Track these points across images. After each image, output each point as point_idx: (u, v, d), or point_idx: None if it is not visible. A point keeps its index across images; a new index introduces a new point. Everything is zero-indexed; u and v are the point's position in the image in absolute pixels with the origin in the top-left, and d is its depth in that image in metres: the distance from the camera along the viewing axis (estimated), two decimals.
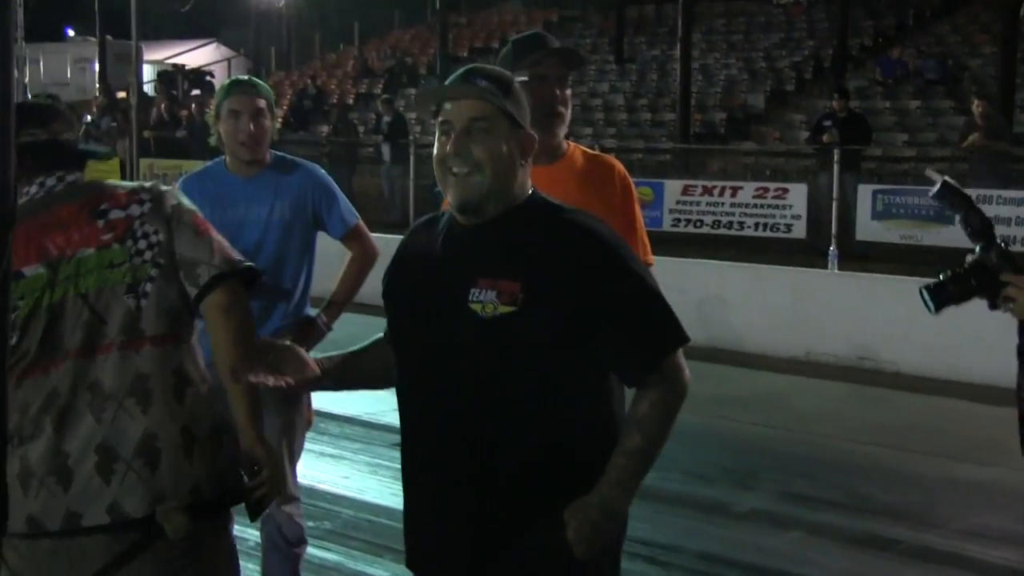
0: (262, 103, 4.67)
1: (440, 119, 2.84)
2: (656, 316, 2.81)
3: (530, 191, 2.90)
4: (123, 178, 21.95)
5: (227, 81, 4.94)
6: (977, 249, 3.05)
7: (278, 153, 4.88)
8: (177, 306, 3.05)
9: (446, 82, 2.91)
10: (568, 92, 3.86)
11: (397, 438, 8.07)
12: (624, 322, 2.77)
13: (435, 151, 2.88)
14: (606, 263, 2.78)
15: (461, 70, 2.88)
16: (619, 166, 3.99)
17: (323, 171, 4.94)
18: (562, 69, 3.87)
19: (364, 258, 4.92)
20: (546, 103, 3.70)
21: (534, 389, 2.75)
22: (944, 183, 2.98)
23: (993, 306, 3.05)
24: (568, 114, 3.87)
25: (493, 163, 2.77)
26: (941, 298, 3.08)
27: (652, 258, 3.89)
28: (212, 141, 4.81)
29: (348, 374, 3.14)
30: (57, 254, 2.99)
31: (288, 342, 3.21)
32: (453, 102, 2.82)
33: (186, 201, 3.16)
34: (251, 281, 3.14)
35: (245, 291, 3.11)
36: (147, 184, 3.18)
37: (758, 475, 7.74)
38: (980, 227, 3.03)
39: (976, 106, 14.91)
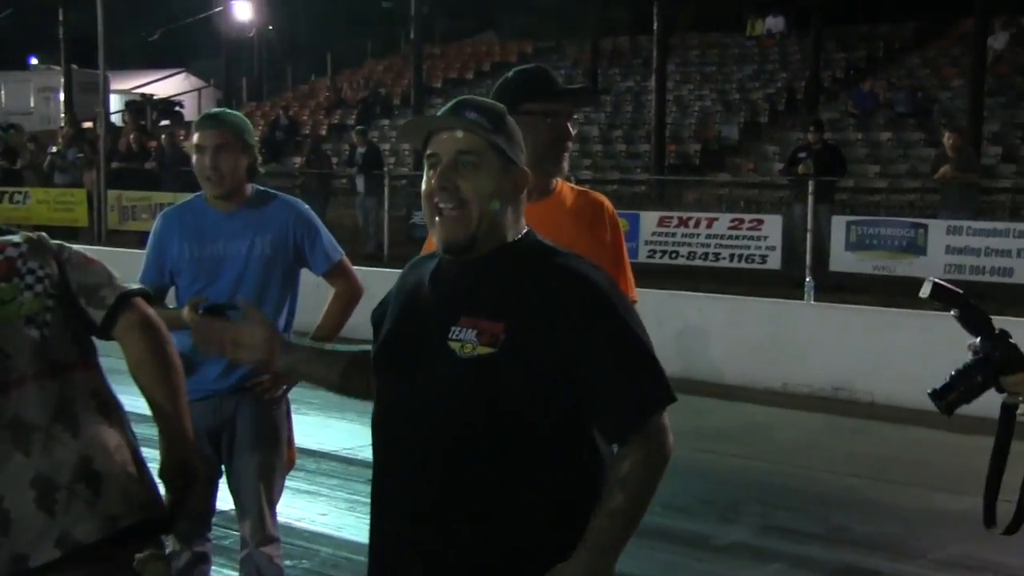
0: (227, 137, 4.54)
1: (428, 152, 2.71)
2: (644, 373, 2.62)
3: (524, 230, 2.77)
4: (90, 210, 21.83)
5: (200, 115, 4.88)
6: (978, 341, 3.03)
7: (260, 187, 4.77)
8: (81, 333, 3.03)
9: (438, 113, 2.78)
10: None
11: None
12: (610, 376, 2.60)
13: (423, 186, 2.73)
14: (597, 312, 2.63)
15: (453, 101, 2.76)
16: (607, 202, 3.96)
17: (306, 206, 4.85)
18: (572, 106, 3.81)
19: (349, 295, 4.83)
20: (561, 139, 3.62)
21: (510, 437, 2.59)
22: (935, 285, 2.97)
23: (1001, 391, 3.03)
24: None
25: (480, 200, 2.63)
26: (949, 400, 3.05)
27: (636, 294, 3.84)
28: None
29: (307, 367, 3.08)
30: None
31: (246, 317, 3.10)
32: (440, 134, 2.70)
33: (59, 243, 3.13)
34: (149, 295, 3.18)
35: (148, 305, 3.11)
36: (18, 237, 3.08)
37: (739, 507, 7.71)
38: (978, 321, 3.01)
39: (947, 138, 15.00)
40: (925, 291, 3.02)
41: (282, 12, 37.40)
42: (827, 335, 11.19)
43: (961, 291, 3.04)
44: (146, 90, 39.04)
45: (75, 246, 3.14)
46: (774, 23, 30.11)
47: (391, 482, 2.74)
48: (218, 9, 29.82)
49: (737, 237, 15.39)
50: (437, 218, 2.66)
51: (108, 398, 3.02)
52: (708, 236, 15.61)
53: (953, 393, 3.00)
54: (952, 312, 3.02)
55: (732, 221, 15.68)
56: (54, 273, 2.99)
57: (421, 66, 25.59)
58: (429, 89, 30.00)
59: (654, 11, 20.30)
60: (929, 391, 2.96)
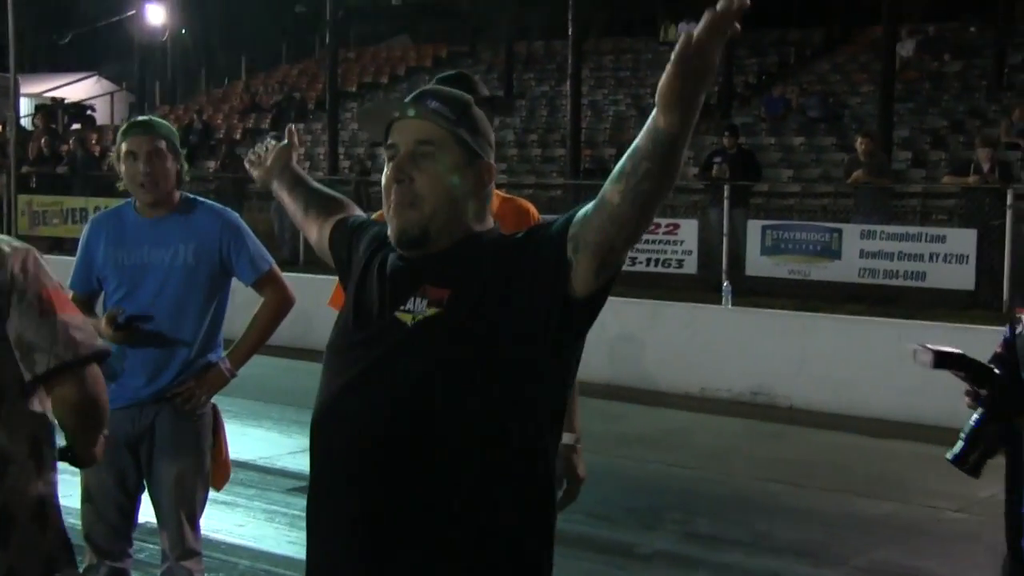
0: (160, 143, 4.51)
1: (387, 142, 2.60)
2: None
3: (491, 226, 2.66)
4: (0, 215, 21.46)
5: (127, 122, 4.79)
6: (983, 393, 3.05)
7: (188, 195, 4.71)
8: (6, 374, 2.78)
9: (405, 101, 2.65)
10: None
11: (292, 483, 7.96)
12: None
13: (382, 179, 2.60)
14: (529, 235, 2.58)
15: (417, 91, 2.66)
16: (533, 209, 3.93)
17: (234, 214, 4.77)
18: (490, 115, 3.78)
19: (278, 305, 4.74)
20: None
21: (455, 411, 2.44)
22: (936, 355, 3.00)
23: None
24: None
25: (435, 194, 2.52)
26: (972, 463, 3.07)
27: None
28: (120, 186, 4.67)
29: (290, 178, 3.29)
30: None
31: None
32: (401, 124, 2.58)
33: (37, 267, 2.82)
34: (101, 360, 2.88)
35: (94, 375, 2.84)
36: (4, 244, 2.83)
37: (661, 515, 7.73)
38: (982, 375, 3.03)
39: (860, 143, 15.18)
40: (925, 361, 3.01)
41: (195, 15, 36.97)
42: (745, 339, 11.27)
43: (957, 351, 3.06)
44: (57, 94, 38.38)
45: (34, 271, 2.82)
46: (687, 29, 30.14)
47: (328, 483, 2.61)
48: (131, 12, 29.44)
49: (653, 241, 15.44)
50: (391, 210, 2.57)
51: (10, 451, 2.77)
52: None
53: (974, 454, 3.02)
54: (959, 374, 3.03)
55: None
56: None
57: (336, 70, 25.43)
58: (344, 93, 29.82)
59: (569, 16, 20.32)
60: (948, 457, 2.96)
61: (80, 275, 4.66)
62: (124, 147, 4.53)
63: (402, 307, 2.53)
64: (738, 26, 2.18)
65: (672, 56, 2.19)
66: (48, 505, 2.82)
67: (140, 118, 4.79)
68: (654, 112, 2.28)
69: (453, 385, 2.46)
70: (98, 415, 2.88)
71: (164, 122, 4.73)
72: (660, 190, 2.36)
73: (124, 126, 4.71)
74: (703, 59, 2.19)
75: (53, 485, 2.86)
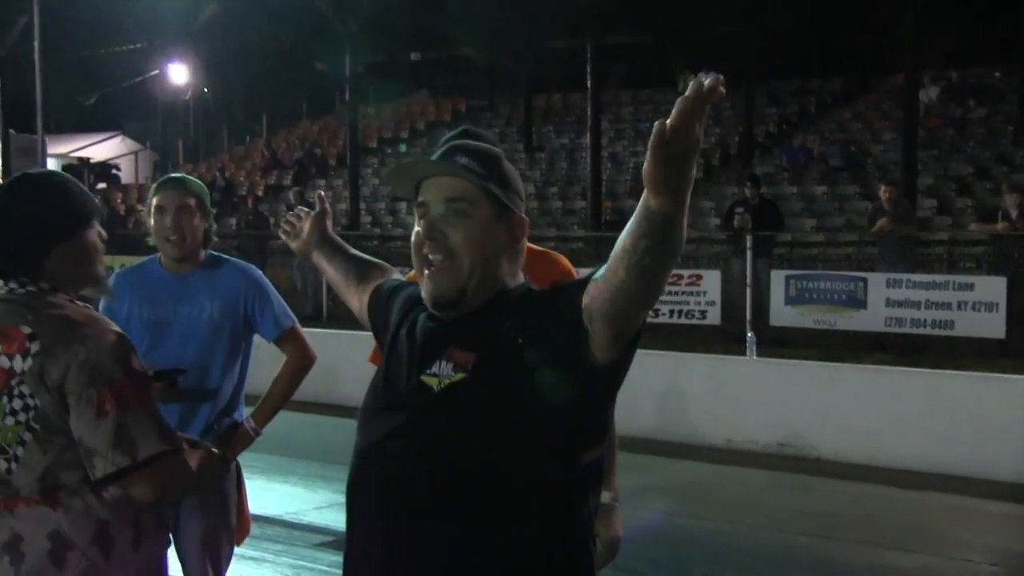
0: (189, 200, 4.55)
1: (418, 199, 2.56)
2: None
3: (522, 281, 2.61)
4: None
5: (161, 179, 4.83)
6: None
7: (214, 252, 4.75)
8: (52, 471, 2.79)
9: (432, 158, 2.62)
10: None
11: (319, 539, 7.91)
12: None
13: (412, 237, 2.56)
14: (554, 294, 2.53)
15: (444, 145, 2.62)
16: (564, 262, 3.89)
17: (259, 272, 4.79)
18: None
19: (300, 362, 4.77)
20: None
21: (484, 477, 2.41)
22: None
23: None
24: None
25: (471, 250, 2.48)
26: None
27: None
28: (149, 241, 4.68)
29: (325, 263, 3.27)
30: None
31: None
32: (430, 181, 2.55)
33: (100, 360, 2.78)
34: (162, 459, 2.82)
35: (163, 470, 2.81)
36: (37, 328, 2.81)
37: (687, 568, 7.63)
38: None
39: (883, 191, 15.14)
40: None
41: (217, 74, 37.27)
42: (770, 390, 11.17)
43: None
44: (83, 153, 38.75)
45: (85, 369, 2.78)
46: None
47: (362, 539, 2.57)
48: (154, 72, 29.70)
49: (676, 292, 15.39)
50: (426, 271, 2.52)
51: (74, 540, 2.79)
52: None
53: None
54: None
55: (671, 276, 15.67)
56: (40, 406, 2.77)
57: (356, 126, 25.57)
58: (364, 148, 29.98)
59: (587, 69, 20.40)
60: None
61: None
62: (155, 201, 4.57)
63: (428, 371, 2.50)
64: (723, 90, 2.09)
65: (649, 143, 2.11)
66: None
67: (173, 174, 4.83)
68: (644, 193, 2.20)
69: (479, 449, 2.42)
70: (182, 496, 2.88)
71: (197, 181, 4.77)
72: (664, 264, 2.29)
73: (157, 181, 4.74)
74: (681, 143, 2.10)
75: (125, 566, 2.84)
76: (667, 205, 2.19)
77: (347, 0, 23.71)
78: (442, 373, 2.47)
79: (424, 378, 2.50)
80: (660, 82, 32.64)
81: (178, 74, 30.40)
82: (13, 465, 2.79)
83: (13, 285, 2.90)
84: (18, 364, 2.78)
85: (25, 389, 2.78)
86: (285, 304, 4.78)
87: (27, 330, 2.80)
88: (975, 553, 7.83)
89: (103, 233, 3.07)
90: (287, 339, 4.74)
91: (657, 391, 11.60)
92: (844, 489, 9.90)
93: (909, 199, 16.74)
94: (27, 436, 2.78)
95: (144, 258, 4.82)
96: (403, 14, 28.92)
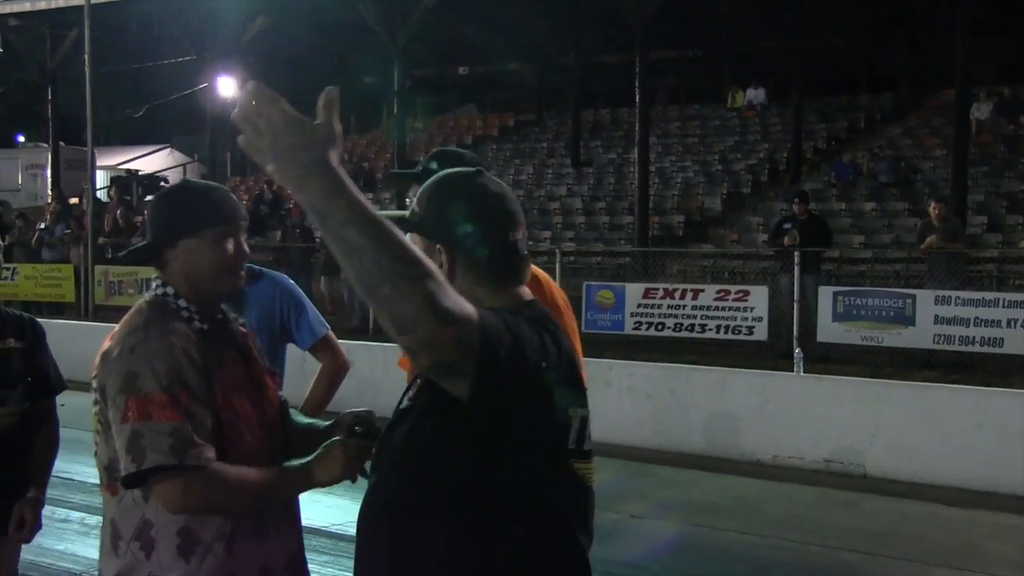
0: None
1: None
2: None
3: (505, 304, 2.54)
4: (77, 286, 21.79)
5: None
6: None
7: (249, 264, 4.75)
8: (113, 463, 2.95)
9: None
10: None
11: None
12: None
13: None
14: None
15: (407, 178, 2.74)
16: (545, 278, 3.87)
17: (291, 282, 4.81)
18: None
19: (335, 370, 4.78)
20: None
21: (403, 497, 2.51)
22: None
23: None
24: None
25: None
26: None
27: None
28: None
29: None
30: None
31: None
32: None
33: (138, 368, 2.86)
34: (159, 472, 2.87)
35: (170, 490, 2.84)
36: (117, 328, 3.01)
37: None
38: None
39: (932, 208, 15.04)
40: None
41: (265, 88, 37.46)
42: (817, 406, 11.11)
43: None
44: (131, 166, 39.11)
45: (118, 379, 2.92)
46: (754, 95, 30.31)
47: None
48: (202, 86, 29.91)
49: (723, 308, 15.36)
50: None
51: (122, 532, 2.96)
52: (694, 307, 15.57)
53: None
54: None
55: (718, 292, 15.66)
56: (102, 407, 2.97)
57: (403, 140, 25.68)
58: (412, 162, 30.05)
59: (636, 84, 20.39)
60: None
61: None
62: None
63: (407, 394, 2.63)
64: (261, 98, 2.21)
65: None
66: None
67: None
68: None
69: (404, 463, 2.52)
70: (211, 513, 2.93)
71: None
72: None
73: None
74: (249, 139, 2.24)
75: (167, 571, 2.92)
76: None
77: (396, 14, 23.80)
78: (408, 395, 2.62)
79: (404, 400, 2.63)
80: (708, 97, 32.63)
81: (226, 87, 30.54)
82: (96, 450, 3.01)
83: (156, 283, 3.13)
84: (97, 360, 2.99)
85: (95, 383, 2.98)
86: (319, 313, 4.81)
87: (114, 328, 3.03)
88: (1023, 571, 7.76)
89: (244, 246, 3.16)
90: (322, 347, 4.76)
91: (704, 407, 11.57)
92: (891, 506, 9.82)
93: (959, 216, 16.62)
94: (99, 427, 2.98)
95: None
96: (451, 28, 28.98)
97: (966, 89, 18.64)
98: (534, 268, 3.78)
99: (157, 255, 3.11)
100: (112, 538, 2.98)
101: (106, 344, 2.99)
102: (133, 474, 2.82)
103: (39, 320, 4.74)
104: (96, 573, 3.06)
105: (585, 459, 2.54)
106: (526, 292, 2.61)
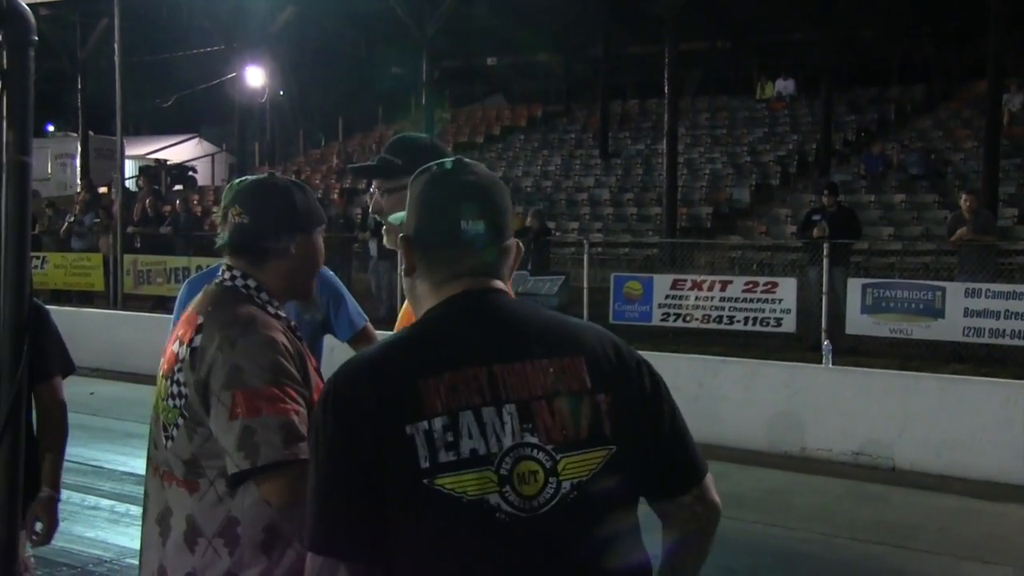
0: None
1: None
2: None
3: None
4: (106, 275, 21.89)
5: (235, 182, 4.73)
6: None
7: None
8: (196, 459, 2.90)
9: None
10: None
11: None
12: None
13: None
14: None
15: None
16: None
17: (331, 272, 4.78)
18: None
19: None
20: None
21: None
22: None
23: None
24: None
25: None
26: None
27: None
28: (220, 241, 4.63)
29: None
30: (164, 367, 3.00)
31: None
32: None
33: (243, 362, 2.82)
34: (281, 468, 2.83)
35: (284, 480, 2.79)
36: (205, 321, 2.94)
37: (762, 575, 7.58)
38: None
39: (964, 200, 14.95)
40: None
41: (293, 78, 37.58)
42: (846, 399, 11.07)
43: None
44: (160, 155, 39.28)
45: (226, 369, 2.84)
46: (784, 86, 30.18)
47: None
48: (231, 76, 29.98)
49: (752, 300, 15.31)
50: None
51: (204, 530, 2.90)
52: (722, 299, 15.52)
53: None
54: None
55: (746, 284, 15.61)
56: (189, 396, 2.88)
57: (432, 131, 25.66)
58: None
59: (664, 75, 20.33)
60: None
61: None
62: (232, 211, 4.49)
63: None
64: None
65: None
66: None
67: (251, 177, 4.72)
68: None
69: None
70: (290, 509, 2.87)
71: None
72: None
73: (236, 185, 4.64)
74: None
75: (248, 566, 2.89)
76: None
77: (424, 5, 23.79)
78: None
79: None
80: (737, 89, 32.52)
81: (255, 77, 30.61)
82: (170, 443, 2.92)
83: (229, 275, 3.10)
84: (183, 352, 2.90)
85: (181, 377, 2.89)
86: (357, 304, 4.79)
87: (200, 320, 2.94)
88: None
89: (319, 246, 3.18)
90: (361, 338, 4.74)
91: (732, 399, 11.55)
92: (920, 499, 9.79)
93: (990, 208, 16.51)
94: (180, 421, 2.89)
95: (206, 261, 4.78)
96: (480, 19, 28.96)
97: (998, 80, 18.50)
98: None
99: (259, 248, 3.09)
100: (189, 535, 2.91)
101: (188, 335, 2.92)
102: (247, 470, 2.78)
103: (43, 304, 4.65)
104: (133, 561, 3.11)
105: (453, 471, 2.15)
106: (481, 282, 2.33)
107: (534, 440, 2.17)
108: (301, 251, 3.09)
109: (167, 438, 2.93)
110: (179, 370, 2.90)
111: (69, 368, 4.61)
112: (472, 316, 2.27)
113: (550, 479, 2.16)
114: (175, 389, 2.90)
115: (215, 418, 2.81)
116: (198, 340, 2.89)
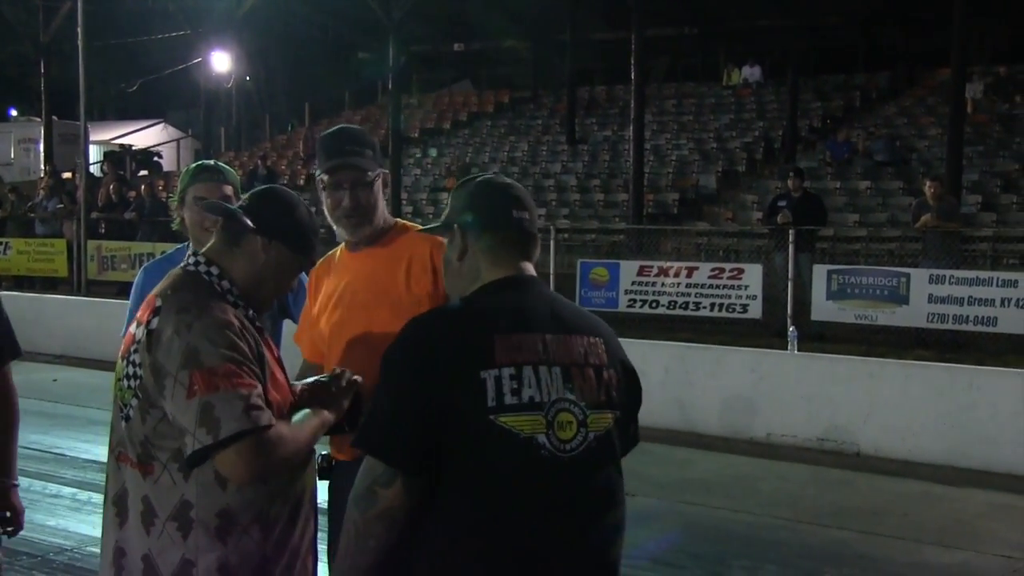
0: (228, 190, 4.41)
1: None
2: None
3: None
4: (70, 260, 21.73)
5: (193, 165, 4.68)
6: None
7: None
8: (148, 440, 2.94)
9: None
10: (366, 191, 3.83)
11: None
12: None
13: None
14: None
15: None
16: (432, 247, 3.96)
17: None
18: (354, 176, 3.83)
19: None
20: (338, 208, 3.82)
21: None
22: None
23: None
24: (369, 212, 3.86)
25: None
26: None
27: None
28: (175, 226, 4.59)
29: None
30: (122, 348, 3.07)
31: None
32: None
33: (198, 345, 2.87)
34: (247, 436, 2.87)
35: (251, 448, 2.84)
36: (162, 304, 2.99)
37: (727, 561, 7.59)
38: None
39: (928, 187, 15.01)
40: None
41: (260, 63, 37.41)
42: (811, 385, 11.11)
43: None
44: (125, 140, 38.99)
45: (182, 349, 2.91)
46: (750, 72, 30.27)
47: None
48: (196, 60, 29.78)
49: (718, 286, 15.33)
50: None
51: (157, 511, 2.94)
52: (688, 285, 15.54)
53: None
54: None
55: (713, 270, 15.63)
56: (143, 377, 2.93)
57: (399, 116, 25.59)
58: (407, 139, 30.01)
59: (631, 61, 20.33)
60: None
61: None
62: (192, 192, 4.42)
63: None
64: None
65: None
66: (191, 570, 2.93)
67: (207, 162, 4.67)
68: None
69: None
70: (276, 474, 2.97)
71: (230, 168, 4.64)
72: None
73: (192, 169, 4.58)
74: None
75: (203, 552, 2.92)
76: None
77: None
78: None
79: None
80: (704, 75, 32.59)
81: (221, 62, 30.45)
82: (124, 424, 2.99)
83: (193, 260, 3.14)
84: (139, 333, 2.97)
85: (137, 358, 2.95)
86: None
87: (158, 303, 2.99)
88: (1016, 550, 7.75)
89: (291, 271, 3.25)
90: None
91: (699, 385, 11.57)
92: (885, 485, 9.83)
93: (954, 195, 16.60)
94: (134, 402, 2.95)
95: (171, 247, 4.73)
96: (447, 4, 28.94)
97: (962, 68, 18.60)
98: None
99: (239, 227, 3.13)
100: (145, 516, 2.95)
101: (145, 317, 2.98)
102: (209, 446, 2.81)
103: None
104: (95, 550, 3.12)
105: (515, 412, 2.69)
106: (527, 267, 2.93)
107: (572, 397, 2.74)
108: (275, 258, 3.14)
109: (123, 418, 2.98)
110: (135, 351, 2.95)
111: (16, 352, 4.50)
112: (526, 294, 2.86)
113: (580, 429, 2.74)
114: (130, 370, 2.96)
115: (173, 399, 2.85)
116: (155, 322, 2.94)
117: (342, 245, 3.95)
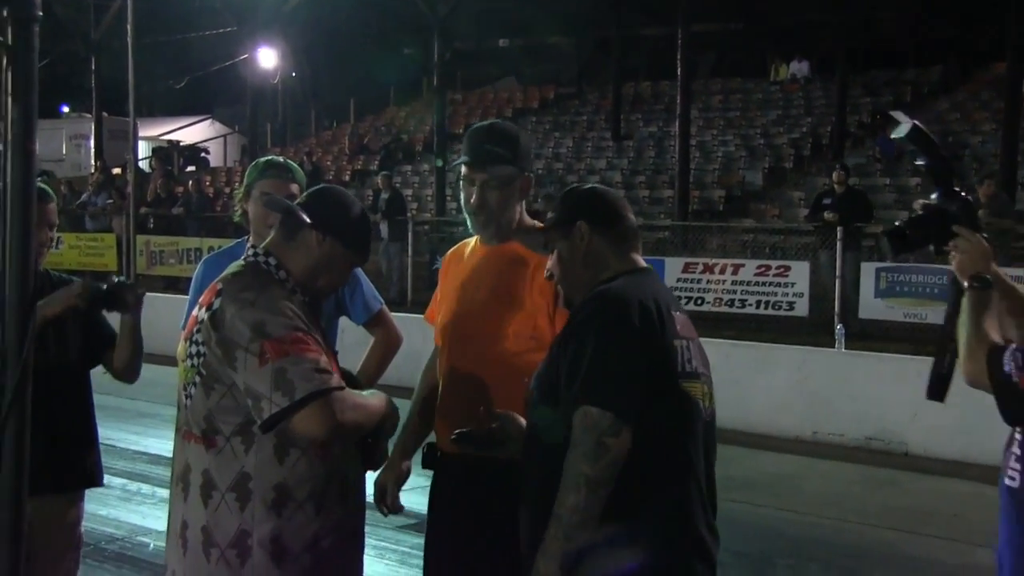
0: (295, 188, 4.41)
1: None
2: None
3: None
4: (119, 255, 21.90)
5: (262, 160, 4.65)
6: (935, 196, 3.25)
7: None
8: (212, 415, 3.14)
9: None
10: (495, 192, 3.81)
11: (402, 521, 7.88)
12: None
13: None
14: None
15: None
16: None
17: None
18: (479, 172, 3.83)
19: (387, 344, 4.76)
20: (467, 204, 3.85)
21: None
22: (914, 126, 3.07)
23: (939, 252, 3.30)
24: (496, 213, 3.83)
25: None
26: (900, 245, 3.31)
27: None
28: (236, 218, 4.60)
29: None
30: (185, 332, 3.30)
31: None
32: None
33: (263, 318, 3.09)
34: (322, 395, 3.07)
35: (322, 408, 3.05)
36: (224, 287, 3.20)
37: (772, 560, 7.54)
38: (943, 173, 3.12)
39: (981, 185, 14.84)
40: (901, 132, 3.23)
41: (305, 59, 37.54)
42: (858, 383, 11.01)
43: (935, 140, 3.23)
44: (173, 136, 39.26)
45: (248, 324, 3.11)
46: (798, 68, 30.04)
47: None
48: (243, 57, 29.89)
49: (764, 284, 15.25)
50: None
51: (218, 483, 3.14)
52: (734, 282, 15.47)
53: (904, 239, 3.31)
54: (920, 161, 3.10)
55: (759, 267, 15.54)
56: (207, 355, 3.13)
57: (444, 112, 25.57)
58: (451, 135, 30.02)
59: (677, 57, 20.24)
60: (882, 231, 3.24)
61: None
62: (260, 187, 4.44)
63: None
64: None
65: None
66: (247, 540, 3.10)
67: (276, 158, 4.65)
68: None
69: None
70: (352, 434, 3.22)
71: (298, 167, 4.64)
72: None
73: (260, 164, 4.59)
74: None
75: (259, 523, 3.11)
76: None
77: None
78: None
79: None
80: (751, 71, 32.36)
81: (267, 59, 30.56)
82: (188, 402, 3.19)
83: (252, 252, 3.35)
84: (202, 314, 3.17)
85: (199, 337, 3.16)
86: (373, 287, 4.76)
87: (220, 287, 3.21)
88: None
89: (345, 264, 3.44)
90: (376, 322, 4.73)
91: (744, 383, 11.49)
92: (933, 485, 9.74)
93: (1008, 192, 16.40)
94: (196, 379, 3.16)
95: (231, 241, 4.75)
96: (491, 0, 28.87)
97: (1018, 62, 18.36)
98: None
99: (296, 221, 3.30)
100: (204, 489, 3.14)
101: (208, 300, 3.18)
102: (286, 408, 3.01)
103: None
104: (145, 539, 3.20)
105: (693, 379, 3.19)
106: (640, 259, 3.32)
107: (704, 371, 3.25)
108: (328, 252, 3.30)
109: (187, 396, 3.17)
110: (198, 331, 3.16)
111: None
112: (656, 280, 3.31)
113: (711, 400, 3.30)
114: (193, 349, 3.16)
115: (246, 368, 3.05)
116: (217, 303, 3.15)
117: (476, 236, 3.93)
